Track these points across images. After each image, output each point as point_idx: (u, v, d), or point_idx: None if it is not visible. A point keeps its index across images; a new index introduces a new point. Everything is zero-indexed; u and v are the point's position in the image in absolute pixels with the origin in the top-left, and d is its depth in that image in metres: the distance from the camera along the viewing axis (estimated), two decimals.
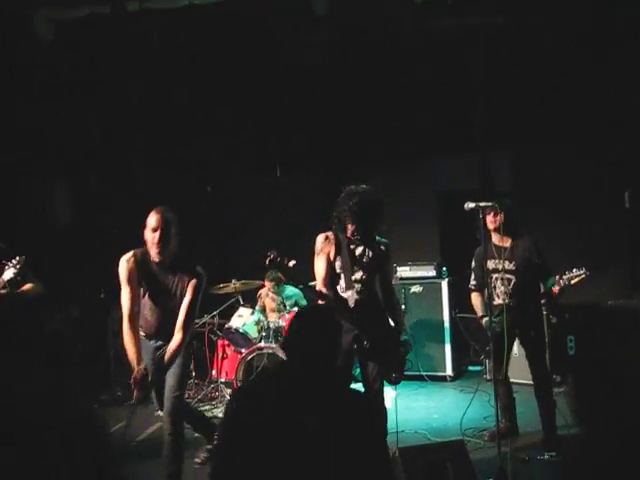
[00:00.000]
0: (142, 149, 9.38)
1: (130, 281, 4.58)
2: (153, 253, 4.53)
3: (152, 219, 4.51)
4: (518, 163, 9.32)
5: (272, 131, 9.47)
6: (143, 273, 4.62)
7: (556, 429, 5.46)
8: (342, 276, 4.79)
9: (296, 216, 9.73)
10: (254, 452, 2.42)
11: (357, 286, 4.78)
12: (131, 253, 4.62)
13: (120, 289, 4.61)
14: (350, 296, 4.74)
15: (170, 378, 4.63)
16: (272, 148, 9.75)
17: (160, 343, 4.75)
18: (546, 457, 5.23)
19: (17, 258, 5.09)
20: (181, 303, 4.59)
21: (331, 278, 4.82)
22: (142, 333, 4.78)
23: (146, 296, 4.73)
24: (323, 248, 4.82)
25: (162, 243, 4.48)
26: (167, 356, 4.57)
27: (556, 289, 5.41)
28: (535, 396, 5.57)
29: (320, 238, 4.86)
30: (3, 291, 5.06)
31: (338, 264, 4.81)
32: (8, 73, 7.71)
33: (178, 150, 9.38)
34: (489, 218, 5.47)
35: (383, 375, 4.83)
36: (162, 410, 4.82)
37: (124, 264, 4.59)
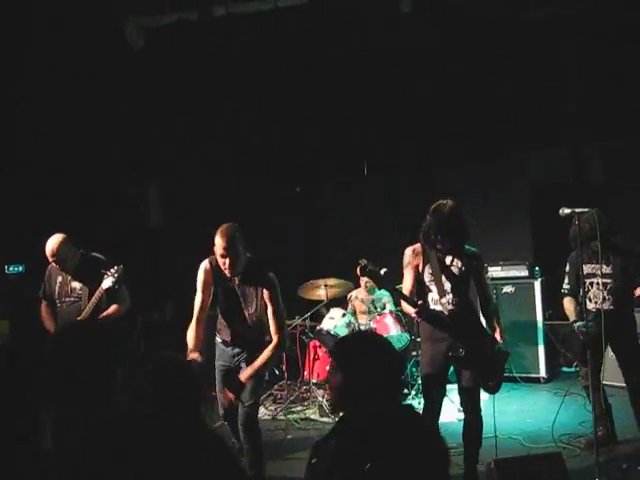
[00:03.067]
0: (232, 151, 9.53)
1: (205, 288, 4.72)
2: (226, 272, 4.62)
3: (218, 244, 4.54)
4: (611, 155, 9.03)
5: (360, 130, 9.46)
6: (219, 281, 4.73)
7: None
8: (433, 287, 4.78)
9: (385, 216, 9.73)
10: None
11: (449, 296, 4.75)
12: (208, 261, 4.73)
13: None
14: (444, 304, 4.72)
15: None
16: (360, 148, 9.74)
17: (237, 350, 4.83)
18: None
19: (115, 267, 5.28)
20: (256, 311, 4.69)
21: (419, 291, 4.82)
22: (219, 339, 4.91)
23: (222, 302, 4.82)
24: (411, 261, 4.84)
25: (232, 267, 4.56)
26: (260, 361, 4.63)
27: None
28: (631, 403, 5.40)
29: (408, 251, 4.89)
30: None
31: (427, 276, 4.80)
32: (102, 82, 7.97)
33: (267, 151, 9.50)
34: (589, 223, 5.29)
35: (480, 383, 4.79)
36: (226, 421, 4.93)
37: (202, 271, 4.73)
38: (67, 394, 2.62)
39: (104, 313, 5.38)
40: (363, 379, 2.52)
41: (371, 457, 2.32)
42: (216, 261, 4.65)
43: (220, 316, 4.88)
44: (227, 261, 4.53)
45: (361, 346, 2.65)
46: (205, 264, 4.75)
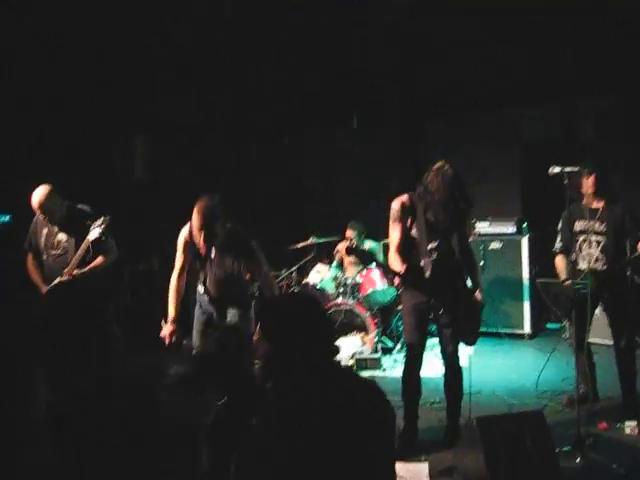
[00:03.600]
0: (221, 101, 9.39)
1: (184, 251, 4.90)
2: (200, 248, 4.72)
3: (195, 219, 4.59)
4: (603, 113, 8.96)
5: (349, 81, 9.33)
6: (196, 251, 4.83)
7: (637, 396, 5.35)
8: (418, 243, 4.75)
9: (374, 169, 9.67)
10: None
11: (434, 254, 4.74)
12: (187, 228, 4.82)
13: None
14: (427, 263, 4.70)
15: None
16: (349, 99, 9.62)
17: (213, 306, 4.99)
18: (626, 425, 5.13)
19: (102, 218, 5.23)
20: (239, 275, 4.85)
21: (405, 245, 4.78)
22: (204, 294, 5.00)
23: (206, 265, 4.91)
24: (400, 216, 4.77)
25: (208, 242, 4.64)
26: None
27: None
28: (616, 363, 5.44)
29: (396, 205, 4.80)
30: (75, 272, 5.23)
31: (414, 231, 4.77)
32: (86, 27, 7.74)
33: (255, 102, 9.36)
34: (583, 181, 5.28)
35: (459, 337, 4.85)
36: None
37: (181, 236, 4.90)
38: (58, 358, 2.62)
39: (90, 265, 5.35)
40: (291, 346, 2.48)
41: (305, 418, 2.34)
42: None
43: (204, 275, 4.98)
44: (202, 236, 4.58)
45: (286, 312, 2.59)
46: (184, 232, 4.87)
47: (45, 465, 2.34)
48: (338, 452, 2.30)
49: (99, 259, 5.38)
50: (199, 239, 4.63)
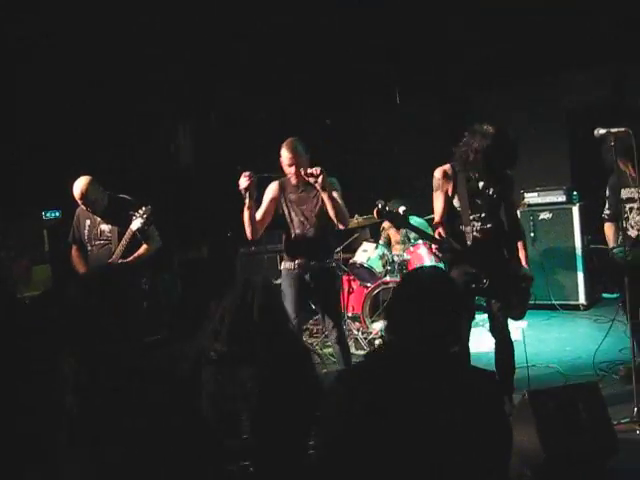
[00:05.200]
0: (261, 85, 9.36)
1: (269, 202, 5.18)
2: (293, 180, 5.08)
3: (284, 155, 5.00)
4: None
5: (390, 57, 9.20)
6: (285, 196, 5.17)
7: None
8: (461, 213, 4.67)
9: (418, 144, 9.54)
10: (371, 444, 2.24)
11: (477, 224, 4.65)
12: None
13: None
14: (468, 232, 4.62)
15: None
16: (390, 75, 9.49)
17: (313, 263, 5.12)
18: None
19: (143, 208, 5.25)
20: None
21: (449, 215, 4.70)
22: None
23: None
24: (442, 185, 4.69)
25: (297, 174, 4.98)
26: None
27: None
28: None
29: (438, 174, 4.72)
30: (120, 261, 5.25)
31: (456, 201, 4.68)
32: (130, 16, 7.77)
33: (297, 83, 9.31)
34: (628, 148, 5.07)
35: (506, 311, 4.74)
36: None
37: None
38: (88, 338, 2.62)
39: (135, 254, 5.38)
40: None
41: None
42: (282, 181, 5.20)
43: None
44: (293, 169, 5.00)
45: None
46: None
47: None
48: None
49: (143, 248, 5.42)
50: (290, 173, 5.07)
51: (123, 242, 5.26)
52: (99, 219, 5.46)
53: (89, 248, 5.52)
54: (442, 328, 2.39)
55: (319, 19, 8.28)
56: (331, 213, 4.97)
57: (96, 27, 7.26)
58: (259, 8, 7.97)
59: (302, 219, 5.11)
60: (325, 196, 4.91)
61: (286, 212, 5.15)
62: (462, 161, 4.60)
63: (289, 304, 4.91)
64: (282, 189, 5.16)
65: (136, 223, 5.22)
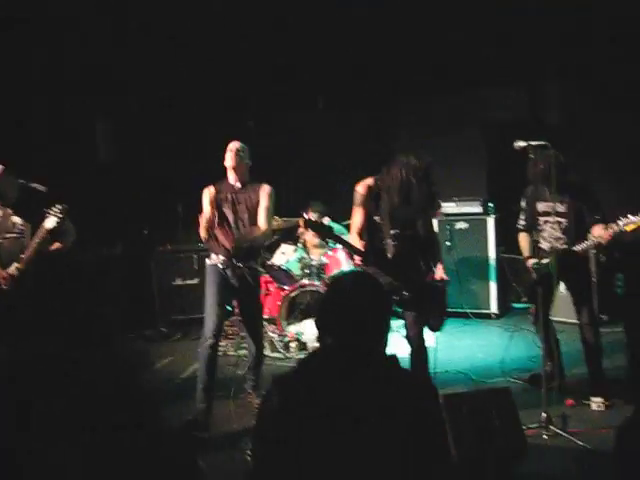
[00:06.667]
0: (183, 84, 9.23)
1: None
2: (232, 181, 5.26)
3: (228, 155, 5.22)
4: (569, 96, 8.96)
5: (314, 63, 9.22)
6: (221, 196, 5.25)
7: (603, 373, 5.36)
8: (382, 227, 4.74)
9: (339, 150, 9.58)
10: (303, 449, 2.21)
11: (396, 237, 4.72)
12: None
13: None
14: (389, 245, 4.68)
15: None
16: (314, 80, 9.51)
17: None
18: (592, 401, 5.15)
19: (59, 206, 5.05)
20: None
21: (370, 228, 4.78)
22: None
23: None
24: (363, 200, 4.77)
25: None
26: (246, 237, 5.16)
27: (608, 234, 5.12)
28: (581, 340, 5.44)
29: (361, 189, 4.80)
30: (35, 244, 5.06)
31: (378, 217, 4.76)
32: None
33: (220, 85, 9.21)
34: (544, 162, 5.20)
35: (423, 322, 4.82)
36: None
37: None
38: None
39: (50, 249, 5.18)
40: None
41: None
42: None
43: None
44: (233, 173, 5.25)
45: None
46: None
47: None
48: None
49: (57, 245, 5.23)
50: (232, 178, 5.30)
51: (36, 240, 5.04)
52: (10, 211, 5.24)
53: (0, 240, 5.28)
54: (370, 330, 2.40)
55: (245, 21, 8.25)
56: (259, 218, 5.21)
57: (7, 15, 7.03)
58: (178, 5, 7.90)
59: (235, 219, 5.20)
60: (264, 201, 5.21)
61: (220, 211, 5.21)
62: (385, 186, 4.71)
63: (211, 298, 5.07)
64: (218, 190, 5.27)
65: (50, 222, 5.01)
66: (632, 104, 8.01)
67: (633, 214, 4.97)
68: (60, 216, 5.00)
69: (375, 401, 2.26)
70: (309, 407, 2.25)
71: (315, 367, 2.40)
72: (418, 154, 4.73)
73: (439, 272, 4.91)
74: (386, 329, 2.48)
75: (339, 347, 2.38)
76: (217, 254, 5.18)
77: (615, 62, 7.96)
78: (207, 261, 5.29)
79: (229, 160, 5.22)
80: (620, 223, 4.98)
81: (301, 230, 8.07)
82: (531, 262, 5.43)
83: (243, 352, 6.57)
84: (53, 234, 5.09)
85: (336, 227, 7.65)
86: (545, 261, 5.22)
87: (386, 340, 2.55)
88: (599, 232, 5.14)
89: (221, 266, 5.14)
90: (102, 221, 8.38)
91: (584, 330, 5.42)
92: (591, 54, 8.03)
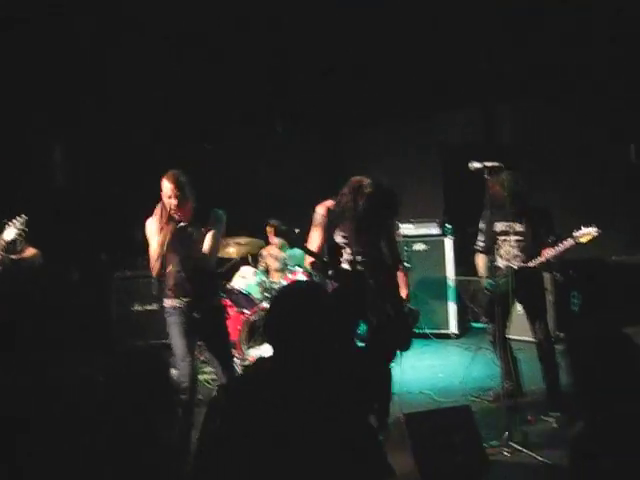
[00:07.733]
0: (139, 108, 9.20)
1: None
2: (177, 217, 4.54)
3: (166, 187, 4.50)
4: (521, 116, 9.17)
5: (271, 86, 9.29)
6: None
7: (560, 389, 5.43)
8: (344, 249, 4.74)
9: (297, 172, 9.63)
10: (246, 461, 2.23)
11: (359, 258, 4.73)
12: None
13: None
14: (353, 268, 4.71)
15: None
16: (271, 103, 9.57)
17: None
18: (551, 417, 5.22)
19: (19, 218, 4.96)
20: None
21: (332, 249, 4.73)
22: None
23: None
24: (322, 222, 4.75)
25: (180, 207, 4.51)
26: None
27: (557, 249, 5.23)
28: (538, 357, 5.53)
29: (321, 210, 4.78)
30: (13, 256, 4.96)
31: (340, 238, 4.77)
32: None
33: (175, 107, 9.21)
34: (501, 182, 5.28)
35: (388, 342, 4.82)
36: None
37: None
38: None
39: (23, 255, 5.10)
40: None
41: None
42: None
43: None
44: (174, 202, 4.49)
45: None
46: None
47: None
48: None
49: (31, 250, 5.14)
50: (172, 208, 4.54)
51: None
52: None
53: None
54: (319, 336, 2.43)
55: (208, 41, 8.29)
56: (205, 248, 4.64)
57: None
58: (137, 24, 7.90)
59: (185, 257, 4.63)
60: (211, 235, 4.66)
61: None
62: (339, 210, 4.71)
63: (178, 341, 4.57)
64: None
65: (10, 233, 4.91)
66: (581, 119, 8.26)
67: (585, 225, 5.12)
68: (20, 228, 4.92)
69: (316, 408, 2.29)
70: (254, 415, 2.27)
71: (258, 374, 2.45)
72: (373, 177, 4.71)
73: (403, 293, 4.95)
74: (329, 334, 2.48)
75: (279, 353, 2.41)
76: (177, 296, 4.66)
77: (564, 77, 8.18)
78: (166, 302, 4.71)
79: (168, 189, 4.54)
80: (575, 234, 5.12)
81: (262, 253, 8.08)
82: (487, 282, 5.50)
83: (204, 377, 6.53)
84: (11, 247, 4.99)
85: (298, 250, 7.71)
86: (502, 280, 5.29)
87: (338, 343, 2.56)
88: (550, 251, 5.26)
89: (184, 309, 4.65)
90: (59, 247, 8.28)
91: (540, 347, 5.51)
92: (541, 72, 8.23)
